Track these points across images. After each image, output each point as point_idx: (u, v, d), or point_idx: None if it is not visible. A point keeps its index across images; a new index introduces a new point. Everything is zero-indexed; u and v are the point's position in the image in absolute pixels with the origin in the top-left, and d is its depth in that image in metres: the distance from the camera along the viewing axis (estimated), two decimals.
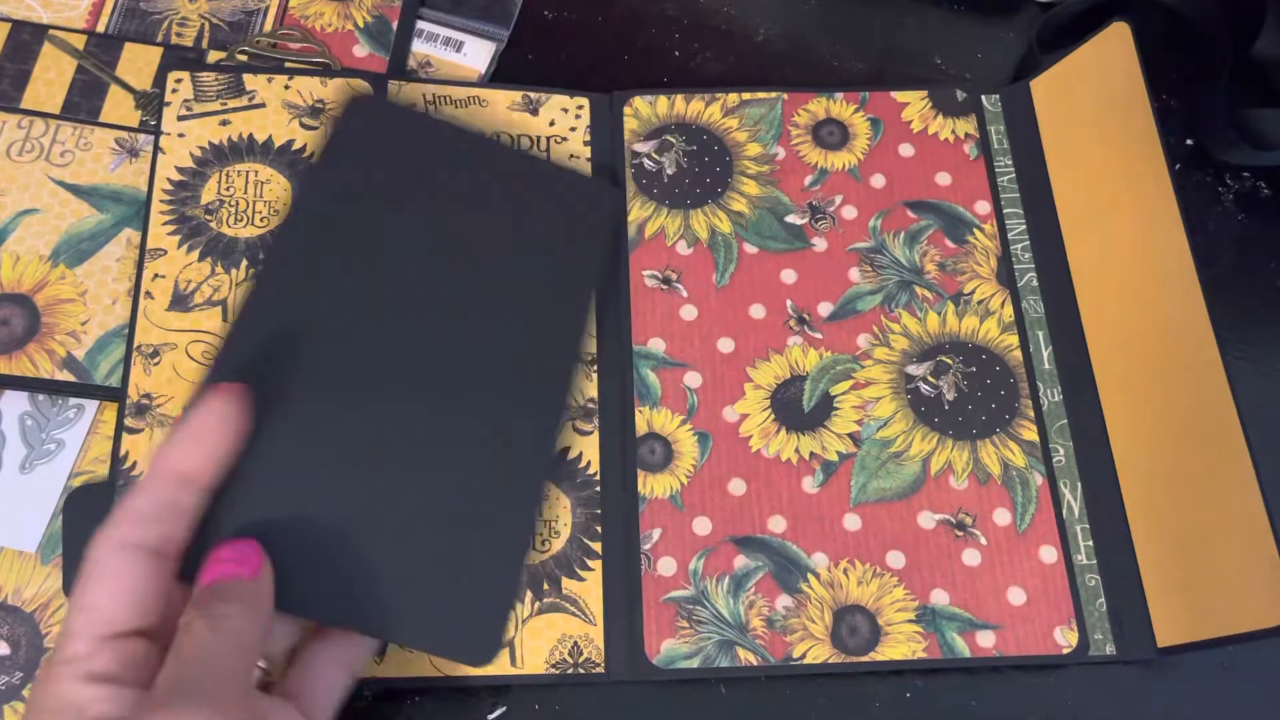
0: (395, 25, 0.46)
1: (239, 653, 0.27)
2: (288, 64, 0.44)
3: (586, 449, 0.39)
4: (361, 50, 0.45)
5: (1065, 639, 0.37)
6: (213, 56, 0.44)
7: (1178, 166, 0.47)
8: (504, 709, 0.36)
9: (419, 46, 0.46)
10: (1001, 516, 0.39)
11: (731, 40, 0.48)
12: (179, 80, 0.43)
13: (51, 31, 0.44)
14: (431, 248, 0.35)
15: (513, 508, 0.32)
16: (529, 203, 0.37)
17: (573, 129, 0.44)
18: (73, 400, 0.39)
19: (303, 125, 0.43)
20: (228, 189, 0.41)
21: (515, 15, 0.47)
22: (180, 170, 0.41)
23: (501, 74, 0.46)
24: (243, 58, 0.44)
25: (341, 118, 0.36)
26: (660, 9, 0.49)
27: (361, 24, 0.46)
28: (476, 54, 0.46)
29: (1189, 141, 0.47)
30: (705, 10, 0.49)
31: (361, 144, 0.36)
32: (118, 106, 0.43)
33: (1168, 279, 0.39)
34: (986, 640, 0.37)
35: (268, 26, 0.45)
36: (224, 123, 0.42)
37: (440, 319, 0.34)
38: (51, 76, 0.43)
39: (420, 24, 0.46)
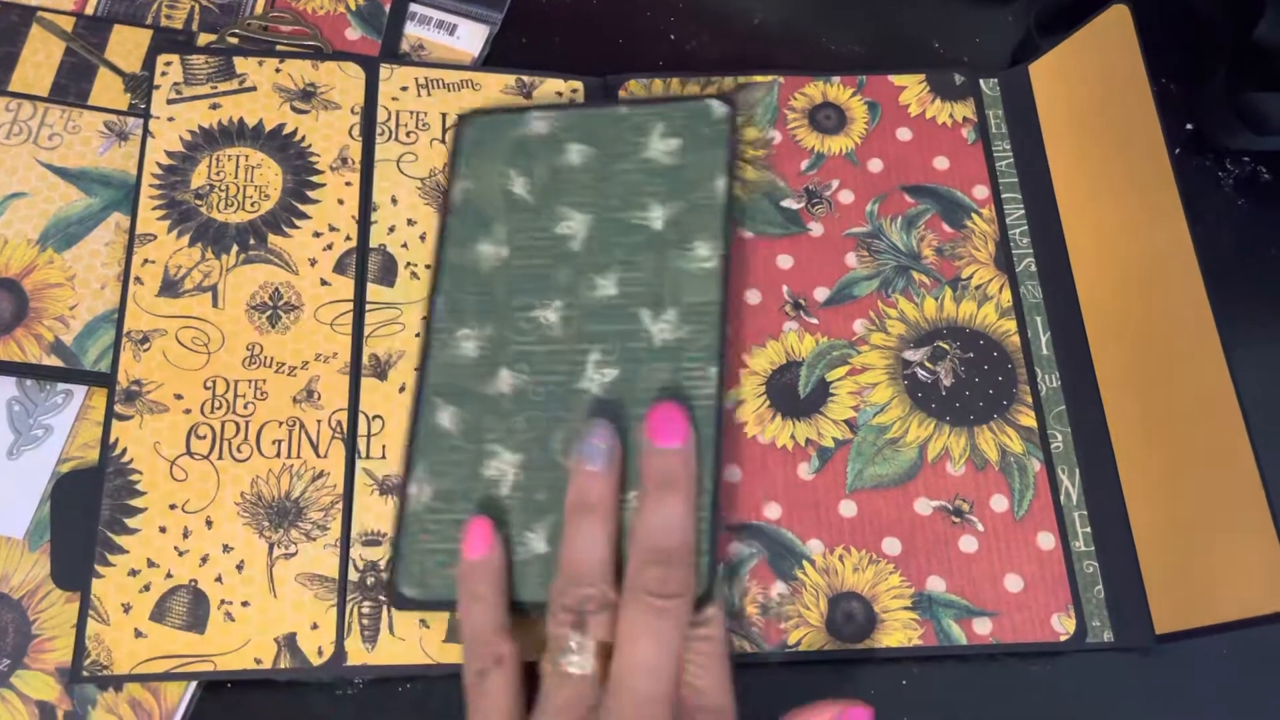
0: (388, 8, 0.45)
1: None
2: (279, 47, 0.44)
3: None
4: (354, 33, 0.45)
5: (1063, 626, 0.37)
6: (203, 39, 0.43)
7: (1177, 151, 0.46)
8: None
9: (412, 29, 0.45)
10: (999, 503, 0.38)
11: (728, 24, 0.48)
12: (168, 63, 0.42)
13: (40, 13, 0.43)
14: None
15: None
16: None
17: None
18: (61, 386, 0.39)
19: (294, 109, 0.42)
20: (218, 173, 0.41)
21: None
22: (170, 154, 0.41)
23: (495, 57, 0.46)
24: (233, 40, 0.44)
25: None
26: None
27: (354, 6, 0.45)
28: (470, 37, 0.46)
29: (1189, 126, 0.47)
30: None
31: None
32: (107, 89, 0.42)
33: (1167, 263, 0.38)
34: (983, 627, 0.37)
35: (259, 9, 0.45)
36: (214, 106, 0.42)
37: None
38: (40, 59, 0.43)
39: (413, 6, 0.46)
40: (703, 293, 0.38)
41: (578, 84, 0.44)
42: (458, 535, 0.35)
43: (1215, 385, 0.36)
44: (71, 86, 0.42)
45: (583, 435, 0.34)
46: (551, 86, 0.44)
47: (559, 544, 0.34)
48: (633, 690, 0.30)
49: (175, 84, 0.42)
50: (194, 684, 0.36)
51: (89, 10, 0.44)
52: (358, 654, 0.35)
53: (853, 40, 0.48)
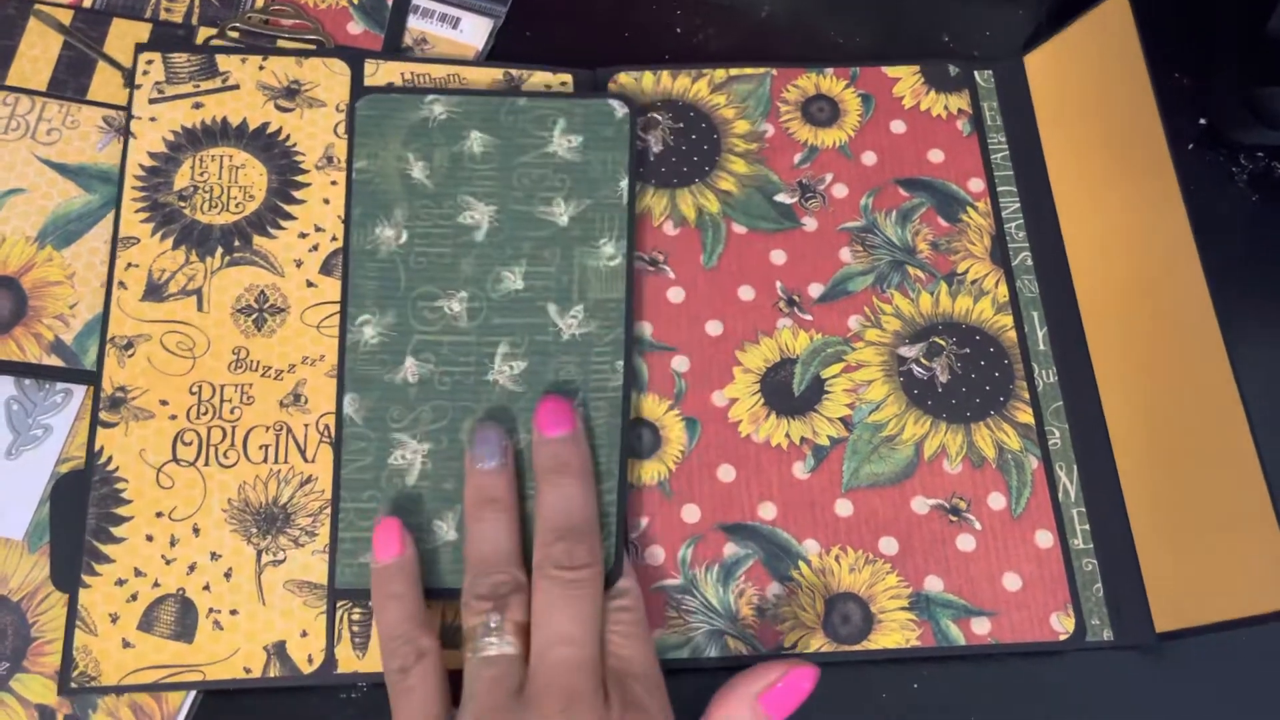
0: (390, 1, 0.44)
1: None
2: (280, 41, 0.43)
3: None
4: (356, 27, 0.44)
5: (1062, 625, 0.36)
6: (203, 33, 0.43)
7: (1190, 146, 0.46)
8: None
9: (415, 23, 0.45)
10: (996, 501, 0.38)
11: (734, 17, 0.47)
12: (150, 62, 0.42)
13: (37, 6, 0.43)
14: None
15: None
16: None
17: None
18: (60, 385, 0.38)
19: (278, 108, 0.41)
20: (202, 174, 0.40)
21: None
22: (152, 155, 0.40)
23: (498, 51, 0.45)
24: (234, 34, 0.43)
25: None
26: None
27: (356, 0, 0.44)
28: (473, 30, 0.45)
29: (1201, 121, 0.46)
30: None
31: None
32: (106, 84, 0.42)
33: (1168, 258, 0.38)
34: (982, 627, 0.36)
35: (260, 2, 0.44)
36: (197, 105, 0.41)
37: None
38: (37, 53, 0.42)
39: (415, 0, 0.45)
40: (609, 290, 0.39)
41: (567, 76, 0.44)
42: (364, 524, 0.35)
43: (1217, 382, 0.35)
44: (70, 81, 0.41)
45: (473, 437, 0.35)
46: (540, 79, 0.44)
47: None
48: (555, 661, 0.31)
49: (157, 83, 0.41)
50: (190, 704, 0.35)
51: (87, 3, 0.43)
52: (348, 661, 0.35)
53: (861, 33, 0.47)
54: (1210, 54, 0.47)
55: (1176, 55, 0.47)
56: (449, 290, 0.38)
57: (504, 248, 0.39)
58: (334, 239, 0.40)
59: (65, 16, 0.42)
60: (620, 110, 0.41)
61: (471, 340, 0.38)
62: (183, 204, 0.40)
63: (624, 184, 0.40)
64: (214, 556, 0.36)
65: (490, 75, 0.43)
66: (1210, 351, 0.35)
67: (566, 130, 0.41)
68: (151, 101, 0.41)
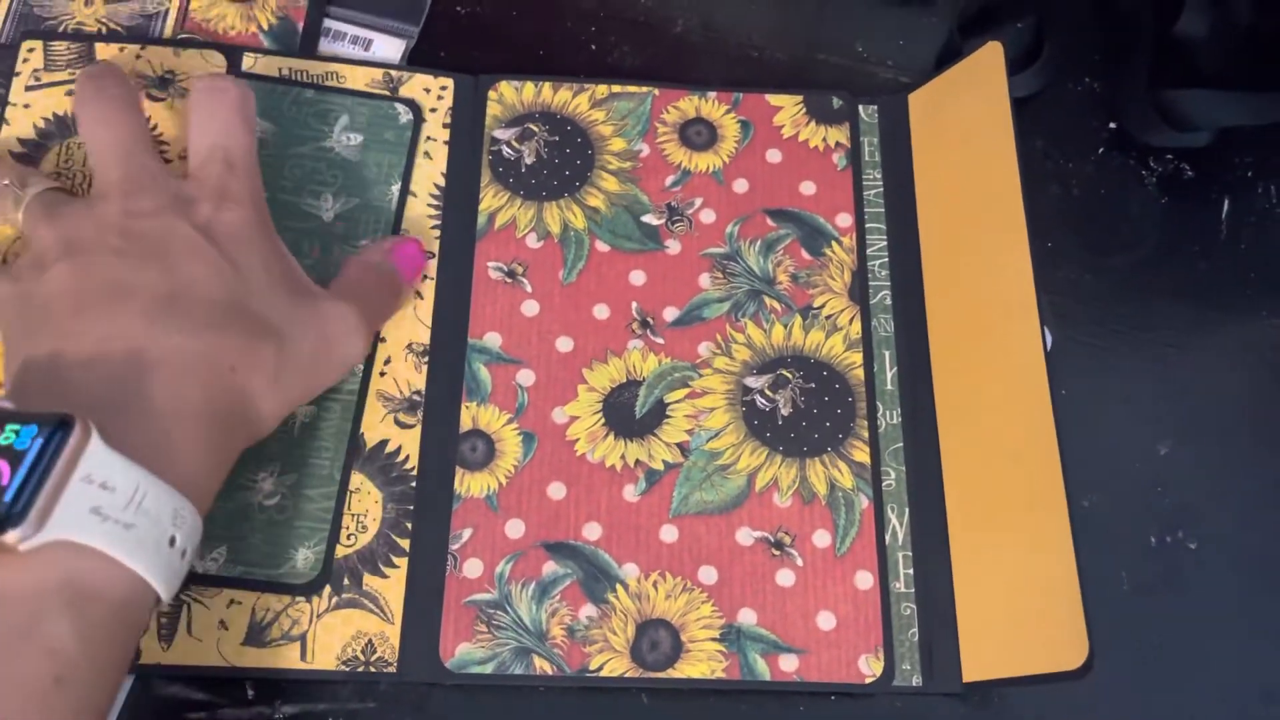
0: (301, 26, 0.44)
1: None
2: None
3: (406, 443, 0.39)
4: None
5: (870, 668, 0.36)
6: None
7: (1100, 150, 0.46)
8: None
9: (326, 46, 0.44)
10: (821, 538, 0.38)
11: (650, 32, 0.47)
12: (31, 49, 0.42)
13: None
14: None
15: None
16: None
17: (433, 110, 0.43)
18: None
19: (150, 96, 0.41)
20: (67, 162, 0.40)
21: (426, 10, 0.45)
22: (22, 142, 0.40)
23: None
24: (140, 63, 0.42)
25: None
26: (576, 2, 0.47)
27: (266, 26, 0.44)
28: (386, 52, 0.45)
29: (1111, 125, 0.46)
30: (622, 2, 0.47)
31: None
32: None
33: (1009, 308, 0.38)
34: (789, 664, 0.36)
35: (168, 31, 0.43)
36: (70, 93, 0.41)
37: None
38: None
39: (328, 22, 0.44)
40: None
41: (447, 81, 0.44)
42: None
43: (1040, 434, 0.35)
44: None
45: None
46: (420, 83, 0.44)
47: None
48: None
49: (35, 70, 0.41)
50: (126, 690, 0.35)
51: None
52: (152, 652, 0.35)
53: (776, 47, 0.47)
54: (1120, 57, 0.47)
55: (1086, 59, 0.47)
56: None
57: None
58: None
59: None
60: (405, 115, 0.41)
61: None
62: None
63: (396, 188, 0.41)
64: None
65: (369, 75, 0.43)
66: (1038, 404, 0.35)
67: (348, 128, 0.41)
68: (29, 89, 0.41)
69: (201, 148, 0.36)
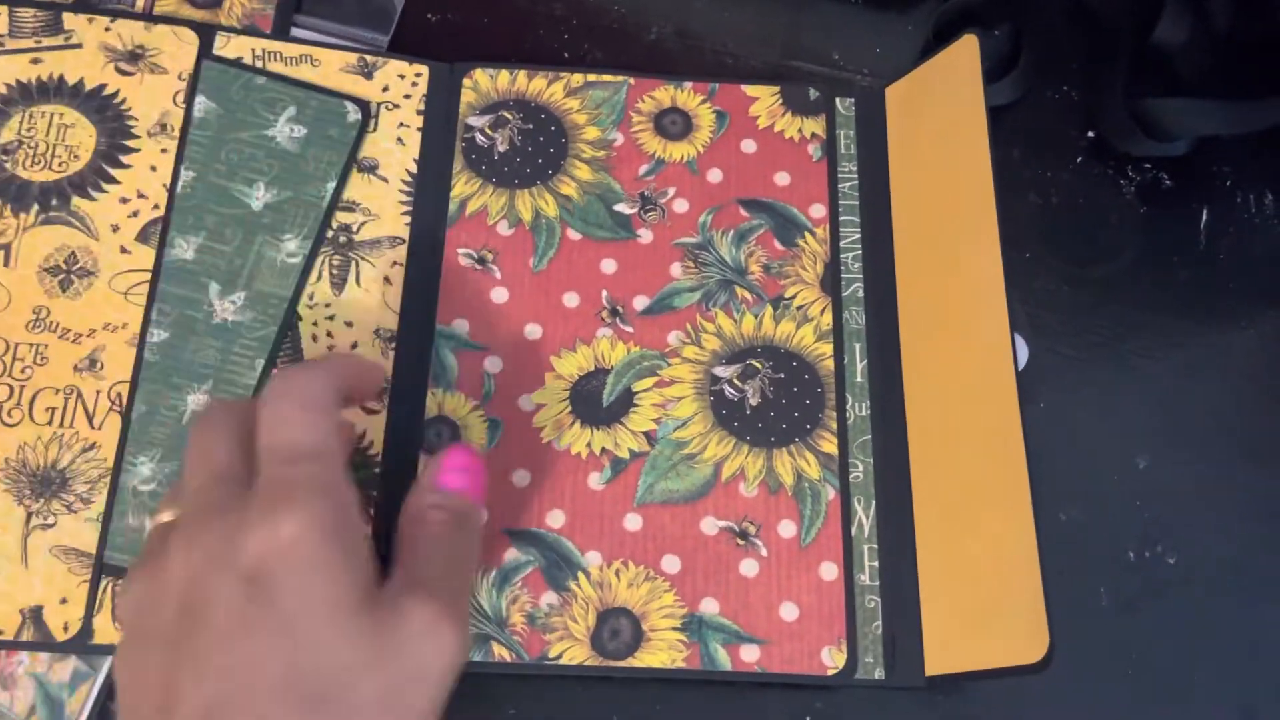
0: (268, 32, 0.43)
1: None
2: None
3: (372, 429, 0.38)
4: None
5: (832, 660, 0.36)
6: None
7: (1079, 160, 0.46)
8: None
9: None
10: (786, 529, 0.38)
11: (623, 40, 0.46)
12: None
13: None
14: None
15: None
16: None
17: (407, 96, 0.43)
18: None
19: (118, 70, 0.41)
20: (29, 130, 0.40)
21: (396, 19, 0.45)
22: None
23: None
24: None
25: None
26: (549, 9, 0.47)
27: None
28: None
29: (1090, 134, 0.46)
30: (595, 10, 0.47)
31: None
32: None
33: (978, 304, 0.37)
34: (750, 655, 0.36)
35: (139, 6, 0.43)
36: (35, 61, 0.41)
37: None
38: None
39: (295, 30, 0.44)
40: (279, 285, 0.39)
41: (422, 68, 0.44)
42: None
43: (1006, 429, 0.35)
44: None
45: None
46: (395, 69, 0.43)
47: None
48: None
49: None
50: (98, 689, 0.35)
51: None
52: (106, 632, 0.35)
53: (751, 54, 0.46)
54: (1097, 66, 0.47)
55: (1064, 68, 0.47)
56: None
57: (187, 215, 0.39)
58: (156, 207, 0.40)
59: None
60: (353, 114, 0.41)
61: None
62: (5, 158, 0.39)
63: (331, 186, 0.40)
64: None
65: (344, 59, 0.43)
66: (1005, 399, 0.35)
67: (293, 119, 0.41)
68: None
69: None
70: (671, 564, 0.37)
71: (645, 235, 0.42)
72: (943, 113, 0.42)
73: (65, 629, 0.34)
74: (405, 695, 0.27)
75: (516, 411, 0.39)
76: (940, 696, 0.37)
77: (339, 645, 0.27)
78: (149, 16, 0.42)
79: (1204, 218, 0.46)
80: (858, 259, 0.42)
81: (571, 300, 0.41)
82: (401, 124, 0.42)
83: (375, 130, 0.42)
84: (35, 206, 0.39)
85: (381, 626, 0.27)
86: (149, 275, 0.39)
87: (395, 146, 0.42)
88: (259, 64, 0.42)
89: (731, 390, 0.40)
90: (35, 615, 0.34)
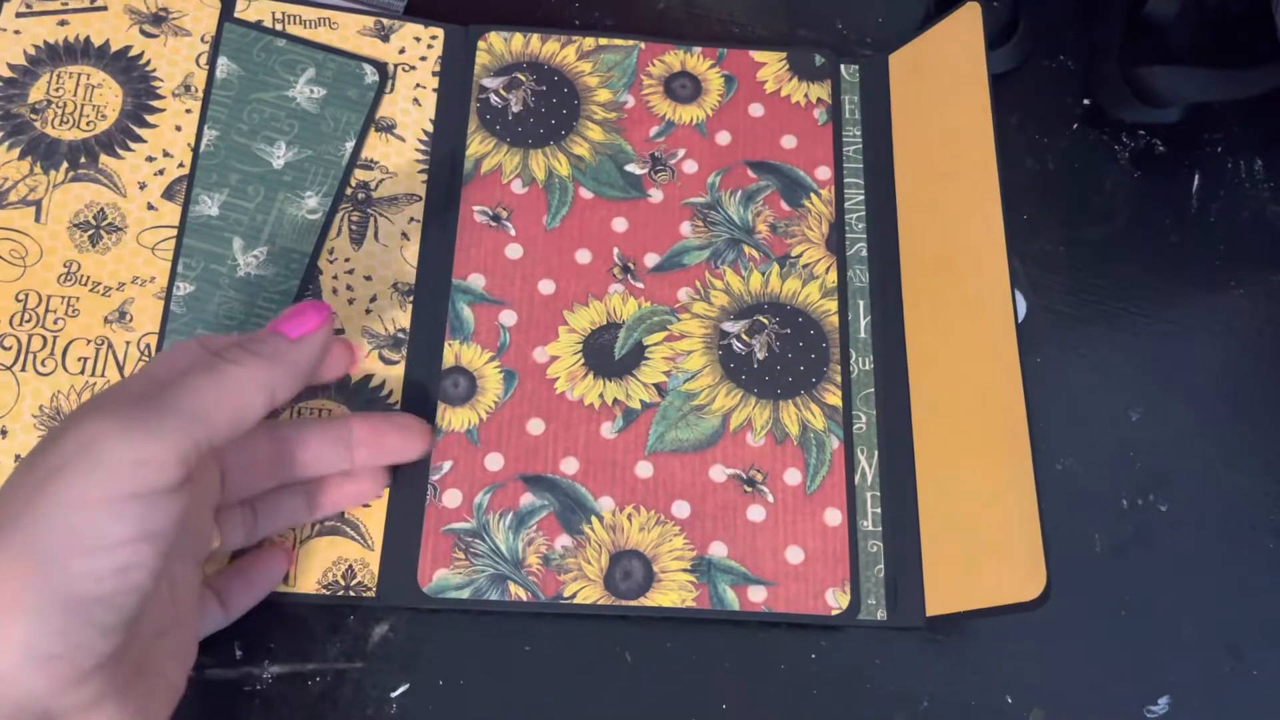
0: None
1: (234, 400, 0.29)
2: None
3: (390, 379, 0.39)
4: None
5: (836, 600, 0.38)
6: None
7: (1075, 126, 0.47)
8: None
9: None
10: (792, 476, 0.39)
11: (632, 7, 0.47)
12: None
13: None
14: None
15: None
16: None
17: (423, 58, 0.44)
18: None
19: (143, 32, 0.42)
20: (57, 90, 0.41)
21: None
22: (11, 67, 0.41)
23: None
24: None
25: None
26: None
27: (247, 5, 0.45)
28: None
29: (1085, 101, 0.47)
30: None
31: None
32: None
33: (980, 261, 0.39)
34: (757, 595, 0.37)
35: None
36: (62, 23, 0.42)
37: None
38: None
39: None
40: (300, 241, 0.40)
41: (438, 31, 0.45)
42: None
43: (1007, 375, 0.36)
44: None
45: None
46: (411, 31, 0.44)
47: None
48: None
49: None
50: None
51: None
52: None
53: (758, 23, 0.48)
54: (1093, 35, 0.48)
55: (1060, 36, 0.48)
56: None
57: (212, 173, 0.40)
58: (181, 165, 0.41)
59: None
60: (371, 76, 0.42)
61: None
62: (34, 116, 0.40)
63: (350, 145, 0.41)
64: (18, 459, 0.36)
65: (361, 22, 0.44)
66: (1005, 347, 0.37)
67: (312, 81, 0.42)
68: (19, 15, 0.42)
69: None
70: (681, 509, 0.38)
71: (655, 195, 0.43)
72: (945, 79, 0.43)
73: None
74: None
75: (531, 363, 0.40)
76: (940, 636, 0.38)
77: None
78: None
79: (1195, 183, 0.47)
80: (861, 219, 0.43)
81: (584, 257, 0.42)
82: (418, 85, 0.44)
83: (392, 91, 0.43)
84: (65, 164, 0.40)
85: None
86: (175, 231, 0.40)
87: (411, 107, 0.43)
88: (279, 27, 0.43)
89: (739, 344, 0.41)
90: None
